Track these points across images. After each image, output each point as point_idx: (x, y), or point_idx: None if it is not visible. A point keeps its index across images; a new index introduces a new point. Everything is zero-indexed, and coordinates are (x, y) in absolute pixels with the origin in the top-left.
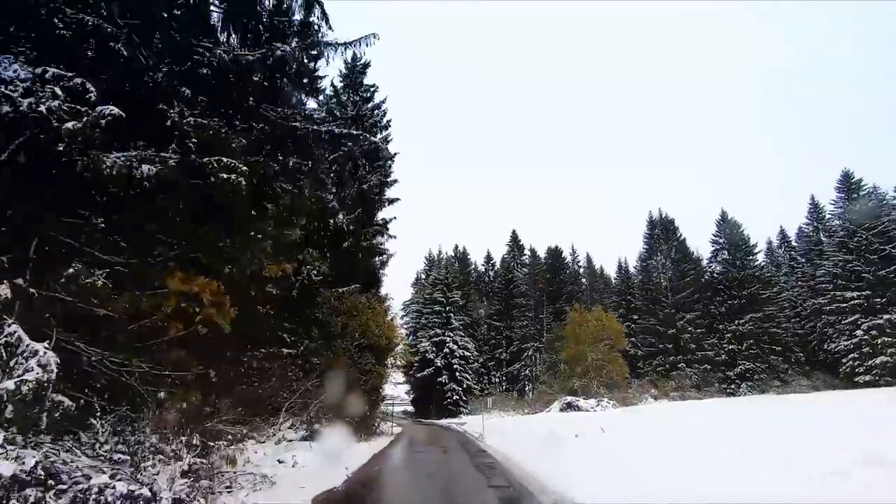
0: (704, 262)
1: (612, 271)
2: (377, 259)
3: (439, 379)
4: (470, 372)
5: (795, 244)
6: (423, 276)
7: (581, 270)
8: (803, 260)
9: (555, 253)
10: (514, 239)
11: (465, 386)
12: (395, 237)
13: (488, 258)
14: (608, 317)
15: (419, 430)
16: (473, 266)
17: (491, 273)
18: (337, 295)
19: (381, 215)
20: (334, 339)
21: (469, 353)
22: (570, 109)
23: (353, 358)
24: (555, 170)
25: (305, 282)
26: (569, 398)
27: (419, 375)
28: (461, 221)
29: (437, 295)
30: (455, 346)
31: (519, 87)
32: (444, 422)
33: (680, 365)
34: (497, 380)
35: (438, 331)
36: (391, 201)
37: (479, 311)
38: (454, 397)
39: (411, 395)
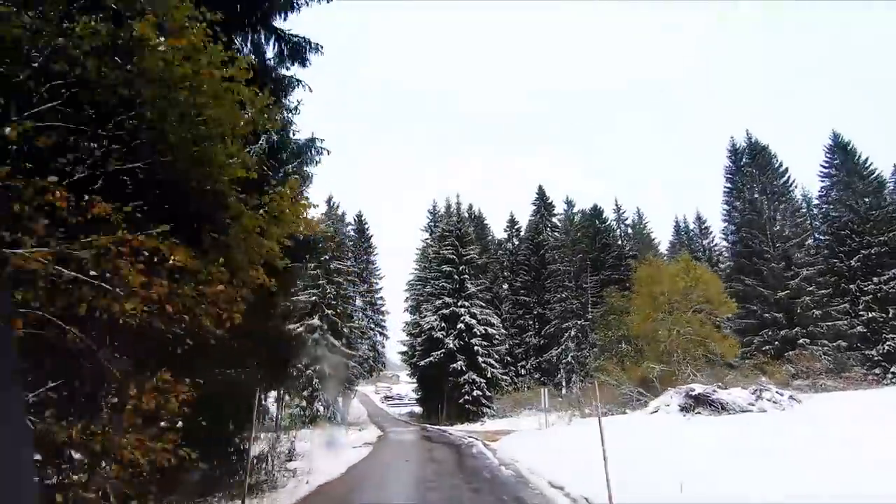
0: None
1: (665, 234)
2: None
3: (452, 366)
4: (495, 356)
5: None
6: (427, 235)
7: (630, 231)
8: None
9: (594, 213)
10: (542, 197)
11: (489, 376)
12: None
13: (512, 222)
14: (699, 269)
15: (399, 453)
16: (491, 237)
17: (515, 240)
18: None
19: None
20: None
21: (493, 331)
22: None
23: None
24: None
25: None
26: (697, 388)
27: (424, 363)
28: (472, 189)
29: (446, 251)
30: (473, 320)
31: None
32: (458, 430)
33: (801, 341)
34: (527, 371)
35: (448, 299)
36: None
37: (501, 286)
38: (474, 392)
39: (419, 394)
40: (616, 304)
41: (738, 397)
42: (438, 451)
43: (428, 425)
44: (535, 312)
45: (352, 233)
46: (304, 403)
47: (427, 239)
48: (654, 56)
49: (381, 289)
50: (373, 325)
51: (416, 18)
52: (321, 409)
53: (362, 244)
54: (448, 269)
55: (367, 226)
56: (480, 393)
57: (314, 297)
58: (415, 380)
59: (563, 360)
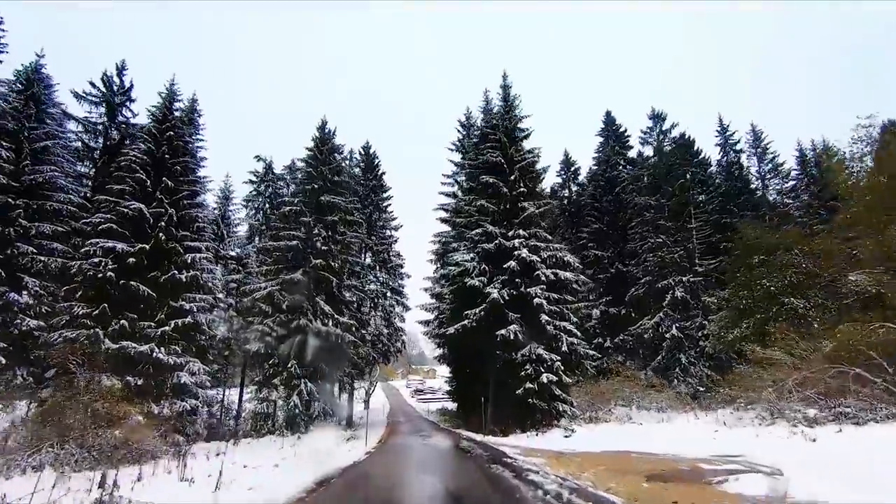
0: None
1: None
2: None
3: (500, 333)
4: (572, 319)
5: None
6: (459, 157)
7: (740, 160)
8: None
9: (684, 143)
10: (611, 125)
11: (564, 350)
12: None
13: (567, 164)
14: None
15: None
16: (539, 190)
17: (572, 186)
18: None
19: None
20: None
21: (569, 275)
22: None
23: None
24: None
25: None
26: None
27: (454, 329)
28: None
29: (488, 154)
30: (534, 256)
31: None
32: (522, 445)
33: None
34: (604, 350)
35: (492, 228)
36: None
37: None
38: (542, 376)
39: (453, 385)
40: (764, 239)
41: None
42: None
43: (465, 431)
44: (612, 272)
45: (357, 171)
46: (272, 397)
47: (459, 162)
48: None
49: (396, 240)
50: (386, 291)
51: None
52: (297, 403)
53: (369, 181)
54: (491, 180)
55: (377, 160)
56: (554, 378)
57: (295, 242)
58: (443, 352)
59: (666, 334)
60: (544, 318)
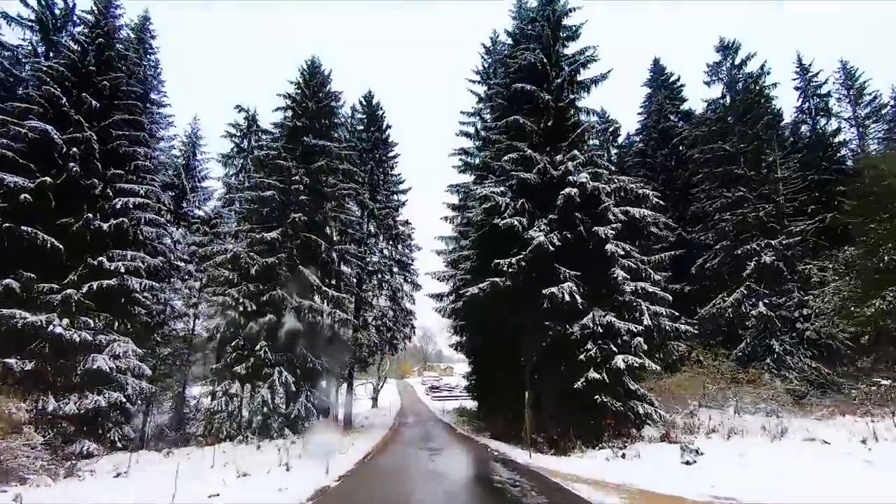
0: None
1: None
2: None
3: (549, 291)
4: (654, 277)
5: None
6: (482, 90)
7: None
8: None
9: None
10: (660, 73)
11: (650, 323)
12: None
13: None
14: None
15: None
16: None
17: (611, 150)
18: None
19: None
20: None
21: (646, 216)
22: None
23: None
24: None
25: None
26: None
27: (477, 290)
28: None
29: (527, 54)
30: (601, 185)
31: None
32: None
33: None
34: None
35: (532, 153)
36: None
37: None
38: (617, 362)
39: (472, 378)
40: None
41: None
42: None
43: (492, 441)
44: (674, 238)
45: (359, 126)
46: (232, 390)
47: (484, 93)
48: None
49: (404, 204)
50: (392, 265)
51: None
52: (267, 398)
53: (372, 135)
54: (528, 87)
55: (381, 112)
56: (635, 363)
57: (270, 193)
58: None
59: (751, 313)
60: (619, 273)
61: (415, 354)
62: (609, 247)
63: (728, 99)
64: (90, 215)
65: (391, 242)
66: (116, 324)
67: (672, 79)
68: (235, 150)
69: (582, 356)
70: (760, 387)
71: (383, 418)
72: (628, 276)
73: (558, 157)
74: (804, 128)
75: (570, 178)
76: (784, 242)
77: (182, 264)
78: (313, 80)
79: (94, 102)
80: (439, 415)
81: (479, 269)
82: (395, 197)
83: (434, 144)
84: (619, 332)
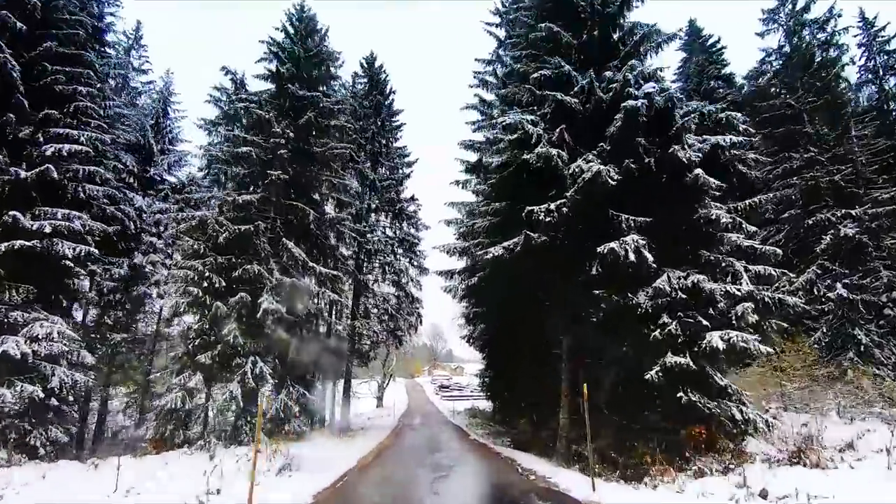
0: None
1: None
2: None
3: (607, 247)
4: (750, 229)
5: None
6: (498, 23)
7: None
8: None
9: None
10: (695, 35)
11: (749, 289)
12: None
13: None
14: None
15: None
16: None
17: None
18: None
19: None
20: None
21: (736, 144)
22: None
23: None
24: None
25: None
26: None
27: (501, 251)
28: None
29: None
30: (674, 92)
31: None
32: None
33: None
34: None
35: (570, 68)
36: None
37: None
38: (711, 339)
39: (488, 373)
40: None
41: None
42: None
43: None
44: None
45: (359, 88)
46: (191, 384)
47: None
48: None
49: (408, 176)
50: (394, 244)
51: None
52: (237, 395)
53: (374, 98)
54: None
55: (384, 75)
56: (741, 340)
57: (247, 149)
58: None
59: (829, 294)
60: (715, 212)
61: (424, 353)
62: (698, 172)
63: (788, 48)
64: (5, 160)
65: (395, 220)
66: (48, 297)
67: (711, 41)
68: (221, 116)
69: (656, 332)
70: (840, 380)
71: (386, 419)
72: (730, 220)
73: (608, 74)
74: (869, 89)
75: (630, 90)
76: (869, 212)
77: (146, 236)
78: (301, 25)
79: (19, 24)
80: (449, 416)
81: (503, 224)
82: (400, 170)
83: (434, 145)
84: (713, 297)
